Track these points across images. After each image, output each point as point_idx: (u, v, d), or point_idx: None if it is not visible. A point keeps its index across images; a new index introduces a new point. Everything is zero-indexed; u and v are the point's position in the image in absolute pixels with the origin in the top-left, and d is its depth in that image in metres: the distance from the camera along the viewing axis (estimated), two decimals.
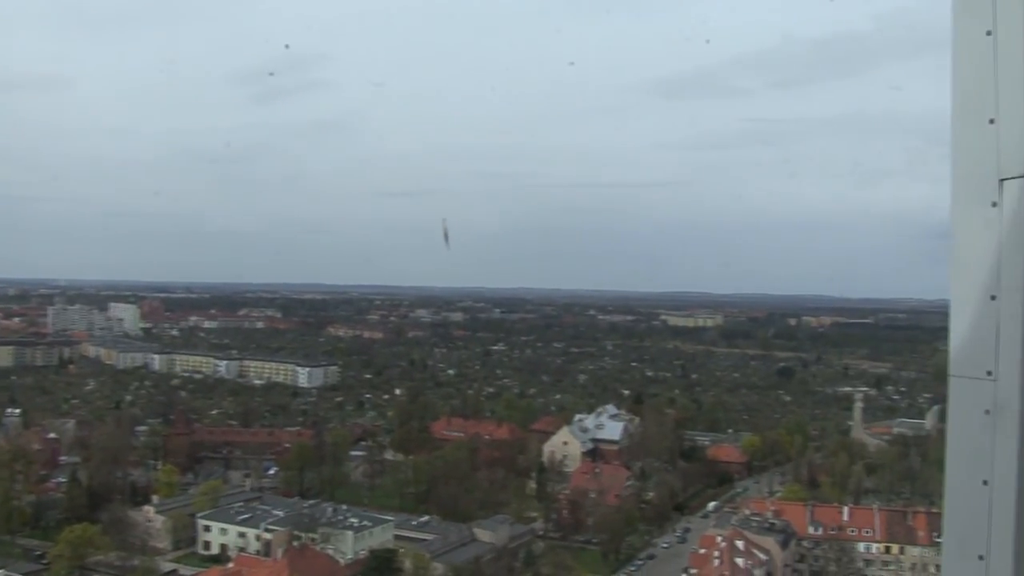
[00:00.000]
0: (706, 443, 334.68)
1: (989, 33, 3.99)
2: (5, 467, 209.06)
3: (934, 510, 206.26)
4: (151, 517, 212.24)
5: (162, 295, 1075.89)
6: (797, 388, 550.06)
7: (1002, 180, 3.98)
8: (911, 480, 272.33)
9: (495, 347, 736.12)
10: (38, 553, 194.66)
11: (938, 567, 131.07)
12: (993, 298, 3.73)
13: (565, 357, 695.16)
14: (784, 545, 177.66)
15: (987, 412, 3.81)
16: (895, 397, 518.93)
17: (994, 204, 4.01)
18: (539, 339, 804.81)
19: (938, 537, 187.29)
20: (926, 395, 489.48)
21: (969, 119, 4.14)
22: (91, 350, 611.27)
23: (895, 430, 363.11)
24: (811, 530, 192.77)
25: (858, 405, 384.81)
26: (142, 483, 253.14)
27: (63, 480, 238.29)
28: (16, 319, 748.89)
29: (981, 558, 3.86)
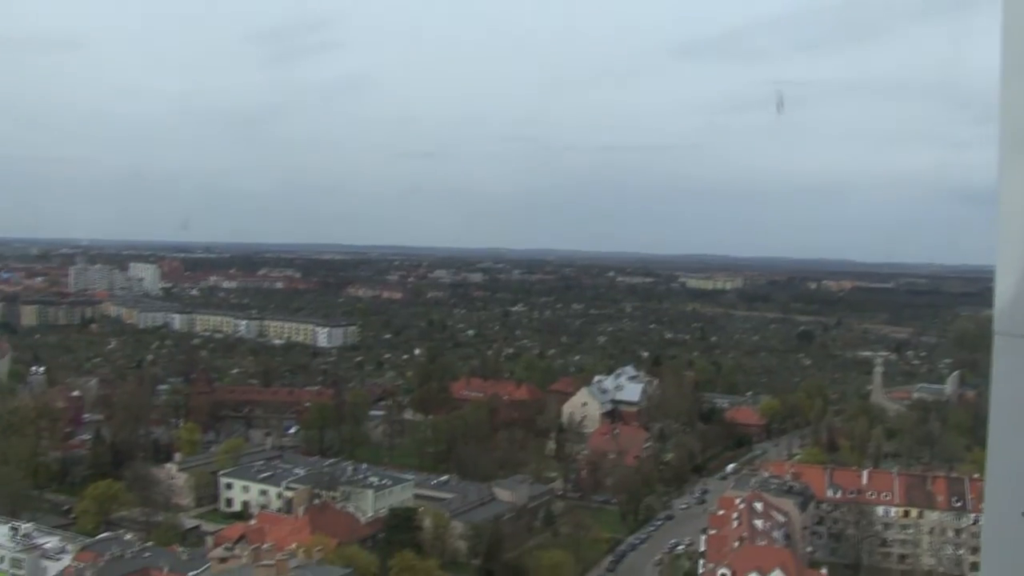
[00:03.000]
0: (725, 405, 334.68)
1: None
2: (31, 424, 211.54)
3: (953, 475, 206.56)
4: (174, 474, 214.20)
5: (182, 255, 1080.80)
6: (817, 352, 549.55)
7: None
8: (930, 445, 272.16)
9: (514, 308, 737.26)
10: (65, 508, 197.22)
11: (956, 532, 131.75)
12: None
13: (584, 318, 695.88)
14: (803, 508, 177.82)
15: None
16: (915, 362, 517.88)
17: None
18: (559, 300, 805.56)
19: (957, 502, 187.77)
20: (946, 360, 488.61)
21: (1019, 80, 3.98)
22: (112, 309, 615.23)
23: (915, 395, 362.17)
24: (830, 493, 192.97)
25: (878, 370, 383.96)
26: (164, 441, 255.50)
27: (87, 437, 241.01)
28: (39, 278, 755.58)
29: None
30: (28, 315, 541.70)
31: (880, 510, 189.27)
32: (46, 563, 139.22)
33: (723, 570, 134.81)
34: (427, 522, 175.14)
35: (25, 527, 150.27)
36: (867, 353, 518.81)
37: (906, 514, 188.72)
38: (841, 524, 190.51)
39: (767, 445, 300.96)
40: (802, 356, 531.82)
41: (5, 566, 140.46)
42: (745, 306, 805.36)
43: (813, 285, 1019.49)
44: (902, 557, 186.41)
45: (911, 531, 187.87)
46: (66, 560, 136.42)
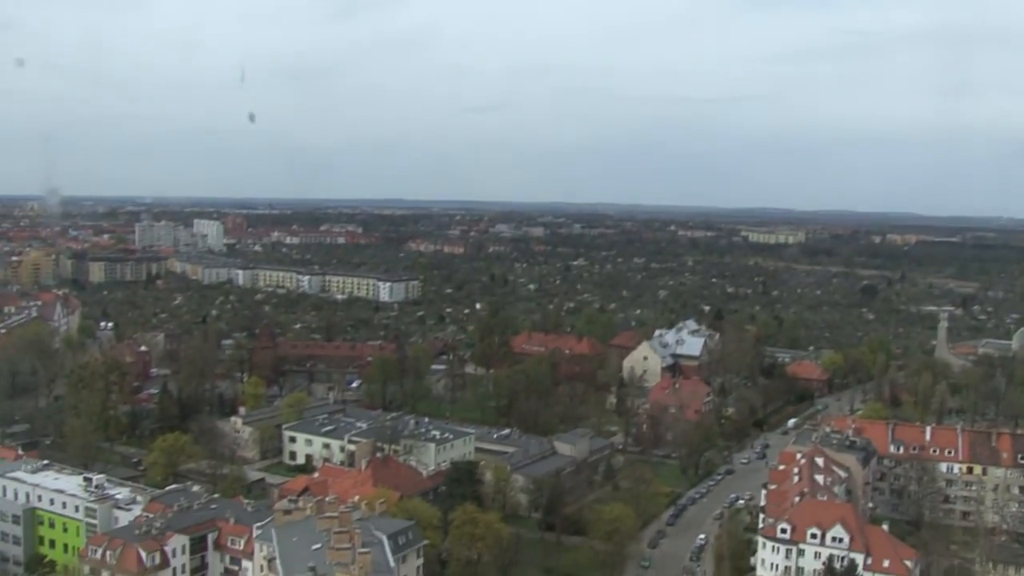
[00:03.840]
0: (786, 360, 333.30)
1: None
2: (102, 378, 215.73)
3: (1019, 431, 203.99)
4: (239, 428, 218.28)
5: (244, 211, 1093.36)
6: (880, 306, 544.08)
7: None
8: (996, 401, 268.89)
9: (575, 262, 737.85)
10: (135, 460, 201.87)
11: (1022, 489, 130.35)
12: None
13: (645, 272, 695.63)
14: (865, 463, 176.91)
15: None
16: (981, 317, 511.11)
17: None
18: (619, 254, 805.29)
19: (1023, 459, 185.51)
20: (1014, 315, 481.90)
21: None
22: (177, 265, 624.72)
23: (981, 350, 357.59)
24: (892, 449, 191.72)
25: (943, 324, 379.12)
26: (229, 395, 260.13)
27: (155, 391, 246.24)
28: (106, 236, 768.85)
29: None
30: (96, 271, 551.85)
31: (943, 466, 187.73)
32: (118, 513, 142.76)
33: (784, 524, 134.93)
34: (488, 475, 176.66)
35: (97, 478, 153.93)
36: (932, 308, 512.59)
37: (970, 471, 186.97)
38: (903, 480, 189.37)
39: (829, 400, 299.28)
40: (865, 311, 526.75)
41: (79, 515, 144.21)
42: (808, 260, 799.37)
43: (877, 239, 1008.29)
44: (965, 514, 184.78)
45: (975, 488, 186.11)
46: (137, 510, 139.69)
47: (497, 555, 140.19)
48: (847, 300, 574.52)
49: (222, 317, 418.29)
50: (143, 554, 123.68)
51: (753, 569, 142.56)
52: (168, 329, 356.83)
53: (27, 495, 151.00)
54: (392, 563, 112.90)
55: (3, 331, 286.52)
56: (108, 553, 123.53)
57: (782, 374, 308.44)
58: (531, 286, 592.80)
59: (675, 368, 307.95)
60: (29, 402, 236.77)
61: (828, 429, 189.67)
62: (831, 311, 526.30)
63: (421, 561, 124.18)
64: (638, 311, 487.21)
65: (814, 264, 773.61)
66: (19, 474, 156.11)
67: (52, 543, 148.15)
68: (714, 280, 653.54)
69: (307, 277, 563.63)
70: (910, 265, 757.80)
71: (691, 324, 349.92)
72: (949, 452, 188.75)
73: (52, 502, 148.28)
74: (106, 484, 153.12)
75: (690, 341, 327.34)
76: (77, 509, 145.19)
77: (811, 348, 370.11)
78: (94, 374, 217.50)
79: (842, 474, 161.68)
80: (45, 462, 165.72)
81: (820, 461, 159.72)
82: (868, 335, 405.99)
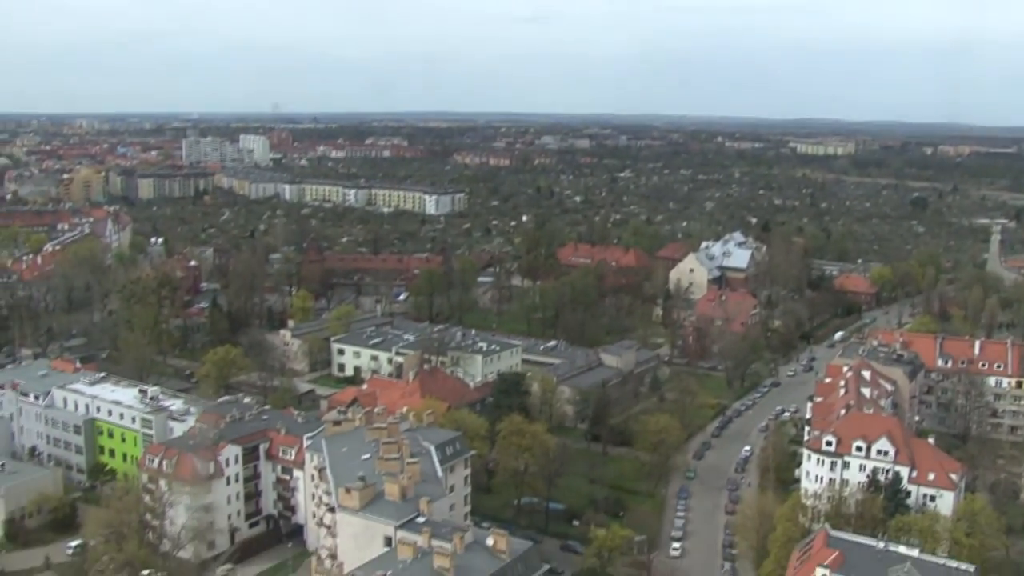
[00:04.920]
0: (834, 273, 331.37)
1: None
2: (153, 293, 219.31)
3: None
4: (288, 340, 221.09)
5: (290, 126, 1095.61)
6: (931, 219, 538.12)
7: None
8: None
9: (622, 174, 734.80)
10: (187, 373, 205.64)
11: None
12: None
13: (692, 184, 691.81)
14: (912, 376, 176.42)
15: None
16: None
17: None
18: (666, 166, 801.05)
19: None
20: None
21: None
22: (224, 181, 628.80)
23: None
24: (940, 363, 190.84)
25: (995, 237, 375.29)
26: (278, 308, 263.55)
27: (205, 305, 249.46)
28: (153, 152, 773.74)
29: None
30: (145, 188, 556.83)
31: (992, 381, 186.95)
32: (173, 424, 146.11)
33: (829, 437, 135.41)
34: (535, 387, 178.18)
35: (152, 390, 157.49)
36: (984, 220, 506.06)
37: (1019, 385, 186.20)
38: (951, 394, 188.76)
39: (877, 313, 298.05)
40: (915, 223, 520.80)
41: (136, 426, 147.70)
42: (857, 172, 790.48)
43: (929, 150, 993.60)
44: (1013, 428, 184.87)
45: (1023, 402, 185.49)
46: (190, 421, 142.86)
47: (543, 465, 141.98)
48: (897, 212, 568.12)
49: (270, 231, 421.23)
50: (198, 463, 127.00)
51: (798, 481, 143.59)
52: (217, 244, 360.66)
53: (87, 406, 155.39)
54: (440, 473, 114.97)
55: (58, 247, 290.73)
56: (165, 462, 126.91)
57: (829, 287, 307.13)
58: (577, 198, 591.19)
59: (722, 280, 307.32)
60: (85, 316, 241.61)
61: (875, 342, 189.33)
62: (880, 224, 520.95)
63: (468, 471, 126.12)
64: (685, 223, 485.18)
65: (863, 176, 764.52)
66: (78, 386, 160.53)
67: (112, 452, 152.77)
68: (761, 192, 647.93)
69: (353, 191, 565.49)
70: (962, 177, 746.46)
71: (738, 236, 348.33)
72: (998, 366, 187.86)
73: (110, 413, 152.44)
74: (161, 396, 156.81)
75: (737, 253, 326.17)
76: (134, 420, 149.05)
77: (859, 261, 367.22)
78: (146, 289, 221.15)
79: (889, 387, 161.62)
80: (102, 374, 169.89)
81: (867, 374, 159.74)
82: (918, 248, 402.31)
